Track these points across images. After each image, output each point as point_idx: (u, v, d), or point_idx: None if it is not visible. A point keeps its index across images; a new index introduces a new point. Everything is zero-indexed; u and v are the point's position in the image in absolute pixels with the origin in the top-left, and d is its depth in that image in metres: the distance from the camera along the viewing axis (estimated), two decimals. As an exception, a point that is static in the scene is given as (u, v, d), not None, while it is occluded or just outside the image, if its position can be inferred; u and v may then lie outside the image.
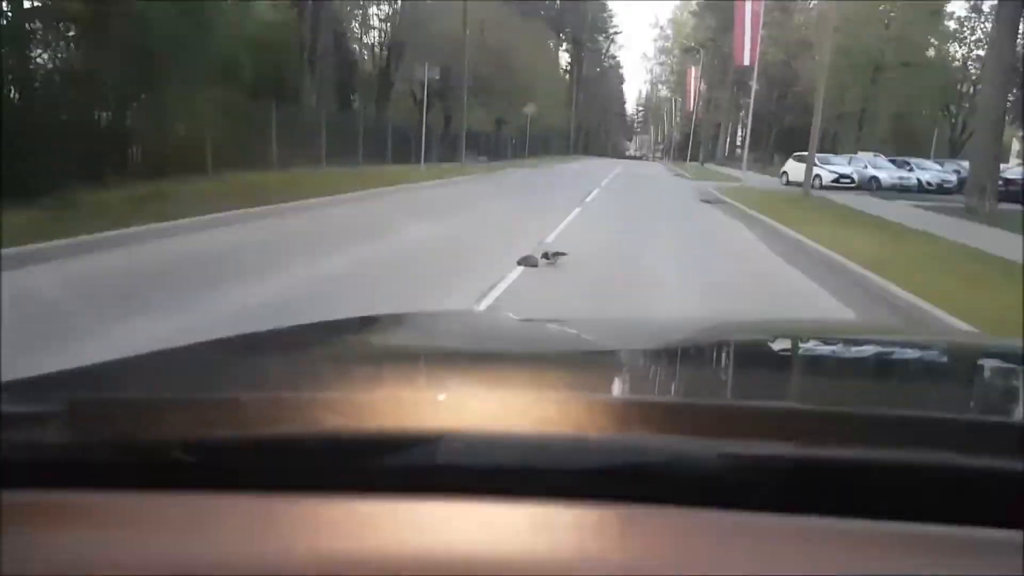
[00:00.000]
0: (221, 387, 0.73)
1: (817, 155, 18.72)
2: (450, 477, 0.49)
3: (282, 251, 6.61)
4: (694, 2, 59.05)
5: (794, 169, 22.71)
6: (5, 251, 4.99)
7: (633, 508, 0.48)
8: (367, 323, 1.19)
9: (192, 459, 0.50)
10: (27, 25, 8.75)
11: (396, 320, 1.23)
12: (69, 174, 7.51)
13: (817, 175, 19.78)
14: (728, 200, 15.01)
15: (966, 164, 20.62)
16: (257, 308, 4.19)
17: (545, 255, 6.29)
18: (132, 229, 6.49)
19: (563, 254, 6.39)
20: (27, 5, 8.96)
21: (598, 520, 0.47)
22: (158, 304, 4.28)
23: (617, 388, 0.81)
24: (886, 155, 27.45)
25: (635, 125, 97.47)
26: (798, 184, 19.18)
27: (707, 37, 51.41)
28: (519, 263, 6.12)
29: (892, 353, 1.09)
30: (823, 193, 18.64)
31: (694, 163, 45.09)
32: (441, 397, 0.62)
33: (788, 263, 7.56)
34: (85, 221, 6.28)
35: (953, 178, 23.58)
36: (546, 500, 0.48)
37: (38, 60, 9.15)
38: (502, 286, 5.35)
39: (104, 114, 9.67)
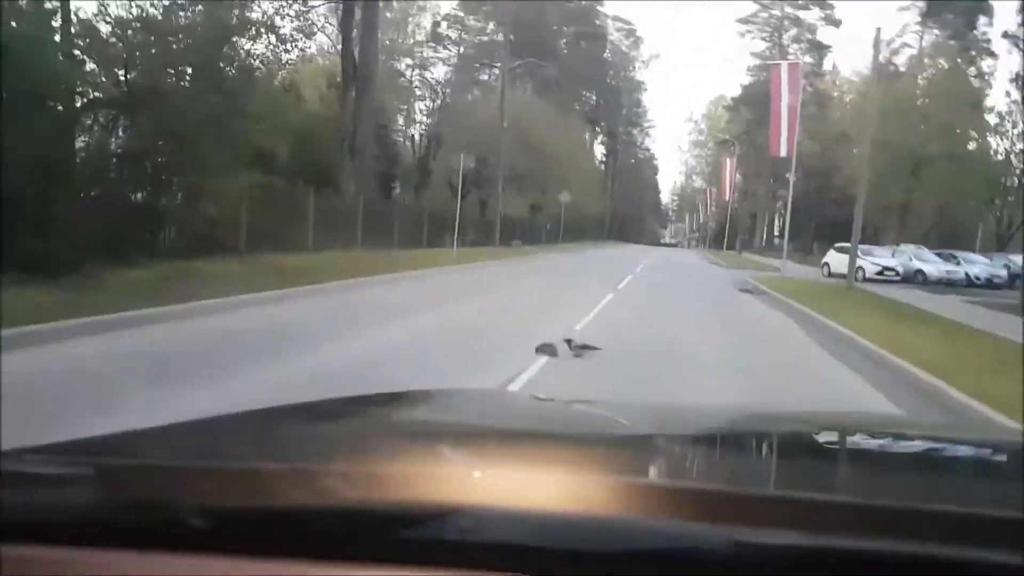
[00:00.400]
0: (242, 456, 0.74)
1: (859, 247, 18.22)
2: (459, 553, 0.49)
3: (296, 335, 6.37)
4: (728, 97, 60.66)
5: (836, 260, 22.20)
6: (20, 330, 4.92)
7: None
8: (394, 398, 1.19)
9: (208, 525, 0.52)
10: (78, 117, 9.17)
11: (422, 396, 1.24)
12: (96, 253, 7.57)
13: (860, 267, 19.23)
14: (769, 291, 14.53)
15: (1017, 259, 19.81)
16: (270, 392, 3.90)
17: (568, 341, 5.84)
18: (152, 310, 6.39)
19: (595, 348, 5.88)
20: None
21: None
22: (161, 388, 4.03)
23: (633, 471, 0.77)
24: (929, 248, 26.76)
25: (670, 213, 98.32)
26: (840, 275, 18.62)
27: (741, 130, 52.27)
28: (538, 351, 5.73)
29: (925, 448, 1.06)
30: (867, 286, 18.01)
31: (731, 252, 44.75)
32: (464, 473, 0.62)
33: (835, 358, 7.03)
34: (108, 300, 6.22)
35: (1003, 272, 22.73)
36: None
37: (78, 143, 9.51)
38: (523, 378, 4.97)
39: (139, 195, 9.93)
